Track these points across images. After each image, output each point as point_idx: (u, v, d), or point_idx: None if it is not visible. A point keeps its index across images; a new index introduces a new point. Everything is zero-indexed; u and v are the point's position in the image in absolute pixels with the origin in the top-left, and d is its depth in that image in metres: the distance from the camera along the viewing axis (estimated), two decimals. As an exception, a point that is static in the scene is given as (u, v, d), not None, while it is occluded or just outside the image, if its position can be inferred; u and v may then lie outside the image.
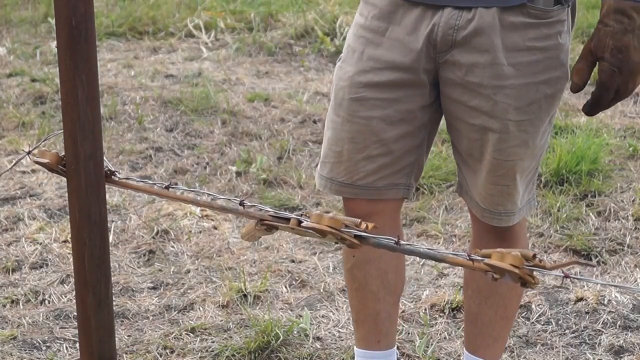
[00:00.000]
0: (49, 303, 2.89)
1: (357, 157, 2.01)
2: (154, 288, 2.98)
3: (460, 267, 2.99)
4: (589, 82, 1.86)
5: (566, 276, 1.29)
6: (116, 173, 1.65)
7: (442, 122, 2.06)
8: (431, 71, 1.94)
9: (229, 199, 1.58)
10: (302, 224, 1.47)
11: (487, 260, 1.34)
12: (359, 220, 1.44)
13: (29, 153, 1.69)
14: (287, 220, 1.49)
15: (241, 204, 1.53)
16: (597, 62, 1.82)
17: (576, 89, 1.85)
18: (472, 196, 2.04)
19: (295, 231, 1.49)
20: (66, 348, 2.65)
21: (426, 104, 1.98)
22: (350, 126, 1.99)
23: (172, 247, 3.23)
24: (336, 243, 1.47)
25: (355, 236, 1.43)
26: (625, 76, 1.79)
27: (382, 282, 2.22)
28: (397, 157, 2.02)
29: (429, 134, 2.05)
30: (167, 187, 1.62)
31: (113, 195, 3.56)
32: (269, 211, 1.52)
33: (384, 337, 2.29)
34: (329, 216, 1.43)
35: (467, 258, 1.35)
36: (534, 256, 1.35)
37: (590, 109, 1.86)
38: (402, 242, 1.39)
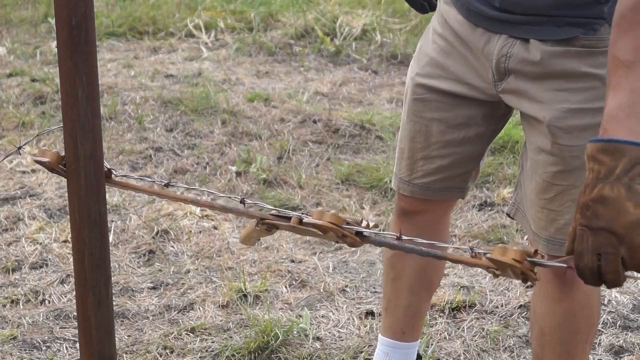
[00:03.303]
0: (49, 303, 2.88)
1: (416, 156, 2.07)
2: (154, 288, 2.98)
3: (460, 267, 2.99)
4: None
5: (569, 267, 1.29)
6: (113, 172, 1.65)
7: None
8: (495, 96, 1.94)
9: (230, 197, 1.58)
10: (304, 220, 1.47)
11: (488, 255, 1.34)
12: (361, 218, 1.44)
13: (19, 148, 1.70)
14: (289, 218, 1.49)
15: (242, 201, 1.53)
16: None
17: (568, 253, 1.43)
18: (527, 219, 1.97)
19: (296, 230, 1.49)
20: (66, 348, 2.64)
21: (489, 115, 2.00)
22: (411, 125, 2.05)
23: (172, 247, 3.22)
24: (337, 242, 1.47)
25: (356, 233, 1.43)
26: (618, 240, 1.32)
27: (419, 276, 2.26)
28: (456, 161, 2.05)
29: (489, 142, 2.07)
30: (166, 185, 1.62)
31: (113, 195, 3.56)
32: (270, 209, 1.52)
33: (409, 329, 2.33)
34: (331, 213, 1.44)
35: (470, 253, 1.35)
36: (536, 252, 1.35)
37: (590, 282, 1.38)
38: (404, 238, 1.39)
